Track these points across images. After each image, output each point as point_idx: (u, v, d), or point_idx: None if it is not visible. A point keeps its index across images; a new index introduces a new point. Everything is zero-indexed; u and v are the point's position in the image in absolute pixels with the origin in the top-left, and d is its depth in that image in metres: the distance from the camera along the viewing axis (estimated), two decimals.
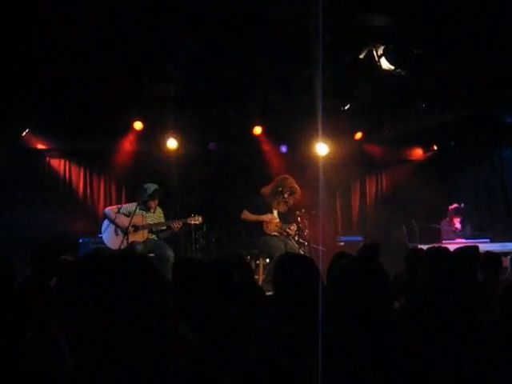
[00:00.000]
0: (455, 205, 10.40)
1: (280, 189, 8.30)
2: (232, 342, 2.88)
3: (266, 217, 8.32)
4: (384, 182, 12.65)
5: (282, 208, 8.42)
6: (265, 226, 8.33)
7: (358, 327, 2.75)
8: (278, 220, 8.40)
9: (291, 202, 8.39)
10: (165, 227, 8.35)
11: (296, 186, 8.39)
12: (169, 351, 1.70)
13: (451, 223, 10.30)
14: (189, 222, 8.38)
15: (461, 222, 10.26)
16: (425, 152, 12.33)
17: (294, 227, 8.35)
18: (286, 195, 8.30)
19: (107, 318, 1.56)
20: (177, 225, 8.25)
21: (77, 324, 1.57)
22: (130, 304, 1.59)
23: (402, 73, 7.43)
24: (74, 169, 10.83)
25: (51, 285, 4.23)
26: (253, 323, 3.10)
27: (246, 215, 8.41)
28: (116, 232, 8.27)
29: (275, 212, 8.45)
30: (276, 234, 8.31)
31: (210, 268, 3.57)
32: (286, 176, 8.59)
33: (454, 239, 9.72)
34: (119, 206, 8.60)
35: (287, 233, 8.32)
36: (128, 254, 1.96)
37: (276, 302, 3.16)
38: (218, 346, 2.77)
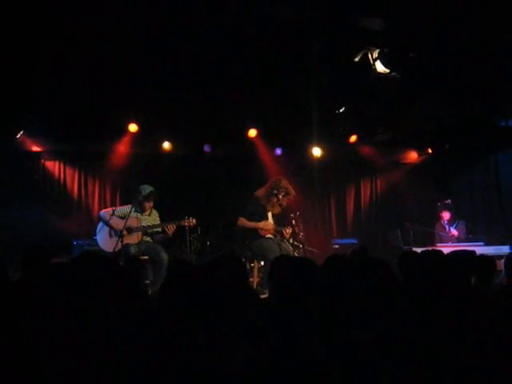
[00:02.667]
0: (443, 200, 10.47)
1: (274, 191, 8.29)
2: (226, 343, 2.87)
3: (261, 224, 8.29)
4: (379, 185, 12.66)
5: (277, 210, 8.40)
6: (259, 229, 8.31)
7: (360, 326, 2.76)
8: (272, 223, 8.39)
9: (285, 203, 8.37)
10: (160, 229, 8.33)
11: (290, 186, 8.38)
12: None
13: (441, 220, 10.35)
14: (183, 224, 8.36)
15: (451, 220, 10.30)
16: (420, 155, 12.34)
17: (289, 230, 8.33)
18: (280, 196, 8.28)
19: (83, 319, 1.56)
20: (171, 228, 8.23)
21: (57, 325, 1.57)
22: (105, 306, 1.59)
23: (397, 76, 7.45)
24: (69, 171, 10.80)
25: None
26: (247, 325, 3.10)
27: (243, 222, 8.36)
28: (110, 234, 8.25)
29: (269, 214, 8.44)
30: (270, 236, 8.30)
31: (205, 270, 3.57)
32: (280, 177, 8.59)
33: (448, 242, 9.75)
34: (114, 208, 8.59)
35: (282, 235, 8.30)
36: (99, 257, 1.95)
37: (271, 303, 3.16)
38: (211, 346, 2.77)
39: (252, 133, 10.60)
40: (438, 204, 10.58)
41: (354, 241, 10.80)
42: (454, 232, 10.22)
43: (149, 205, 8.38)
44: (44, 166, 10.59)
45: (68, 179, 10.77)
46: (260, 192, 8.46)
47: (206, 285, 3.21)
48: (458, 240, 10.04)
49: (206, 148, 10.86)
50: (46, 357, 1.62)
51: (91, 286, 1.68)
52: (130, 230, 8.11)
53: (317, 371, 2.51)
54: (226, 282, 3.30)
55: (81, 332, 1.59)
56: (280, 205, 8.30)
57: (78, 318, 1.60)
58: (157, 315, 2.84)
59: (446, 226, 10.33)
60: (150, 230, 8.31)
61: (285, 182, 8.42)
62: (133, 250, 7.98)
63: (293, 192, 8.38)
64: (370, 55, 7.22)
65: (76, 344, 1.58)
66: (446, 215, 10.37)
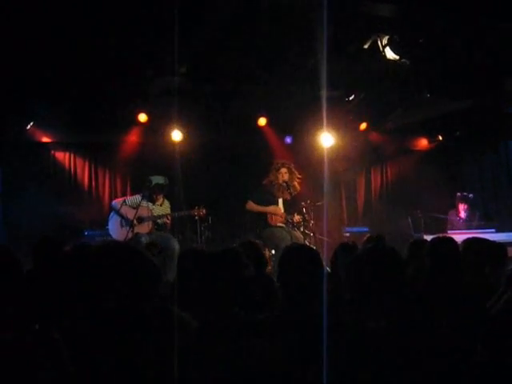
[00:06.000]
0: (465, 193, 10.43)
1: (275, 171, 8.36)
2: (238, 332, 2.88)
3: (271, 208, 8.33)
4: (389, 173, 12.62)
5: (287, 195, 8.43)
6: (269, 218, 8.33)
7: (367, 316, 2.76)
8: (282, 211, 8.41)
9: (296, 184, 8.40)
10: (169, 221, 8.42)
11: (289, 162, 8.48)
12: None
13: (457, 210, 10.31)
14: (193, 214, 8.41)
15: (466, 211, 10.26)
16: (430, 142, 12.28)
17: (298, 216, 8.35)
18: (284, 173, 8.32)
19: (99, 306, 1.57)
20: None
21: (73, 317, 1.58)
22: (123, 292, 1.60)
23: (407, 63, 7.41)
24: (79, 162, 10.84)
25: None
26: (259, 313, 3.11)
27: (251, 206, 8.42)
28: (121, 224, 8.30)
29: (280, 200, 8.46)
30: (281, 224, 8.31)
31: (217, 258, 3.57)
32: (277, 159, 8.72)
33: (459, 229, 9.71)
34: (125, 197, 8.65)
35: (292, 222, 8.32)
36: (118, 244, 1.96)
37: (281, 292, 3.17)
38: (223, 336, 2.77)
39: (262, 121, 10.58)
40: (458, 194, 10.51)
41: (365, 229, 10.77)
42: (463, 215, 10.19)
43: (158, 196, 8.42)
44: (54, 157, 10.64)
45: (78, 170, 10.81)
46: (266, 180, 8.52)
47: (221, 272, 3.22)
48: (469, 226, 10.00)
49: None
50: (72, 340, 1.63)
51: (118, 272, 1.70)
52: (140, 220, 8.15)
53: (327, 360, 2.52)
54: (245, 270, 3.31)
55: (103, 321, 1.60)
56: (289, 189, 8.31)
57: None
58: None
59: (460, 214, 10.30)
60: (160, 221, 8.35)
61: (282, 160, 8.55)
62: (144, 239, 8.03)
63: (292, 166, 8.45)
64: (379, 42, 7.19)
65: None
66: (462, 207, 10.32)
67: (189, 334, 2.35)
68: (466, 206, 10.30)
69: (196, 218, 8.60)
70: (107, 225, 8.52)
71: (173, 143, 10.59)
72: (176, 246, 7.99)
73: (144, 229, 8.20)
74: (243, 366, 2.60)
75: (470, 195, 10.42)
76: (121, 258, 1.78)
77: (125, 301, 1.67)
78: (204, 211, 8.42)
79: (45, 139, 10.35)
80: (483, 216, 10.60)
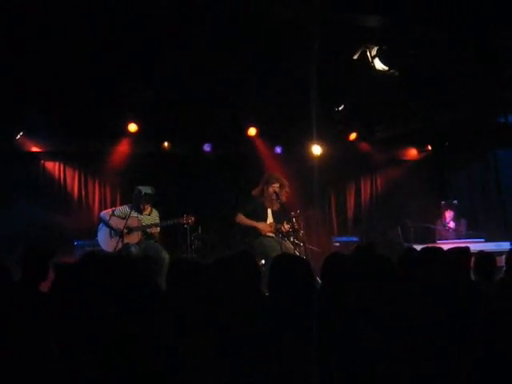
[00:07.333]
0: (448, 200, 10.52)
1: (268, 185, 8.33)
2: (228, 343, 2.88)
3: (260, 224, 8.30)
4: (379, 183, 12.65)
5: (276, 206, 8.41)
6: (258, 228, 8.32)
7: (362, 325, 2.77)
8: (271, 221, 8.39)
9: (283, 197, 8.37)
10: (158, 229, 8.38)
11: (282, 177, 8.44)
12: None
13: (443, 219, 10.36)
14: (181, 221, 8.37)
15: (453, 219, 10.32)
16: (419, 152, 12.35)
17: (287, 225, 8.33)
18: (276, 189, 8.29)
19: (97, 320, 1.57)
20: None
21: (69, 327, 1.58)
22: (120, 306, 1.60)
23: (396, 73, 7.46)
24: (69, 171, 10.78)
25: (40, 289, 4.24)
26: (250, 324, 3.11)
27: (241, 219, 8.39)
28: (110, 234, 8.27)
29: (269, 211, 8.44)
30: (271, 234, 8.30)
31: (208, 269, 3.58)
32: (270, 172, 8.69)
33: (448, 239, 9.74)
34: (113, 208, 8.62)
35: (282, 232, 8.31)
36: (120, 258, 1.96)
37: (271, 302, 3.17)
38: (214, 348, 2.77)
39: (252, 131, 10.60)
40: (443, 203, 10.59)
41: (355, 238, 10.80)
42: (452, 224, 10.24)
43: (146, 205, 8.40)
44: (44, 167, 10.58)
45: (68, 179, 10.75)
46: (256, 191, 8.49)
47: (217, 284, 3.21)
48: (458, 236, 10.03)
49: (207, 147, 10.85)
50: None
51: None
52: (130, 230, 8.13)
53: (317, 370, 2.52)
54: (239, 283, 3.29)
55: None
56: (278, 199, 8.29)
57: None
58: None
59: (447, 223, 10.35)
60: (149, 230, 8.32)
61: (276, 174, 8.48)
62: (133, 249, 8.00)
63: (286, 182, 8.41)
64: (368, 53, 7.23)
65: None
66: (449, 214, 10.38)
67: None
68: (452, 213, 10.37)
69: (185, 225, 8.56)
70: (96, 236, 8.48)
71: (163, 153, 10.59)
72: (166, 256, 7.96)
73: (133, 239, 8.17)
74: (234, 377, 2.60)
75: (455, 201, 10.49)
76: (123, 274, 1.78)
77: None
78: (193, 219, 8.38)
79: (35, 149, 10.30)
80: (472, 225, 10.64)
